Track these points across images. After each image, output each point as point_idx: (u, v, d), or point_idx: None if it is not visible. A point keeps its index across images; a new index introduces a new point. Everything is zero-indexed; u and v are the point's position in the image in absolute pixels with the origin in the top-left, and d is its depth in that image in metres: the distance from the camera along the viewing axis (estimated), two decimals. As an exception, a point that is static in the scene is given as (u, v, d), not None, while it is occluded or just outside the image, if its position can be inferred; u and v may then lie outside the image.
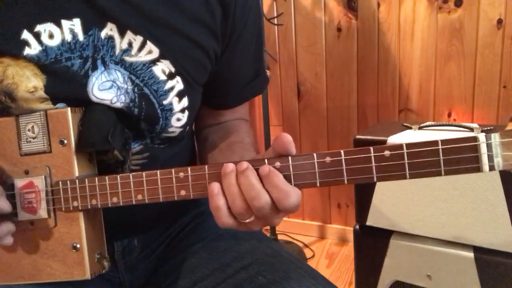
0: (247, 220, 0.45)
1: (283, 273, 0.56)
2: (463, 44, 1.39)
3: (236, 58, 0.64)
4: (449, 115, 1.47)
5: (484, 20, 1.35)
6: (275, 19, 1.65)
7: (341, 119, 1.66)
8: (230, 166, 0.45)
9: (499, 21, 1.33)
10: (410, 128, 1.17)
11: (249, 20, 0.63)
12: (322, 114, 1.70)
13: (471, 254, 1.03)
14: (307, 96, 1.71)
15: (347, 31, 1.57)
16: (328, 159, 0.43)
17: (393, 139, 1.09)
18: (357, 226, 1.20)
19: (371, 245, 1.18)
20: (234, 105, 0.73)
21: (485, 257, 1.01)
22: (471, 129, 1.09)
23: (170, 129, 0.59)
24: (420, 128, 1.16)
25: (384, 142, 1.10)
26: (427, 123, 1.19)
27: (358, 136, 1.15)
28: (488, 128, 1.10)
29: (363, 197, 1.16)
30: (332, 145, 1.71)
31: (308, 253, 1.71)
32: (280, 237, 1.82)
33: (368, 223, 1.16)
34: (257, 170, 0.44)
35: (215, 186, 0.45)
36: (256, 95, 0.74)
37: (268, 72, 1.46)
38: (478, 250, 1.03)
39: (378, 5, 1.49)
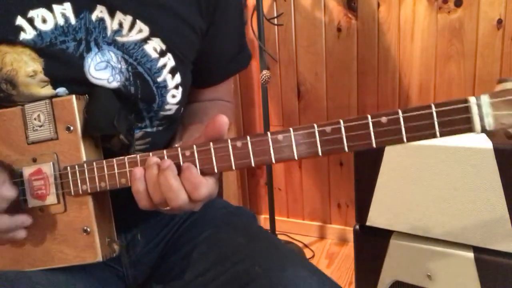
0: (165, 209, 0.49)
1: (279, 264, 0.57)
2: (463, 44, 1.40)
3: (220, 34, 0.67)
4: (449, 115, 1.47)
5: (484, 20, 1.35)
6: (275, 19, 1.65)
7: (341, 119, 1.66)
8: (153, 160, 0.48)
9: (499, 21, 1.33)
10: (410, 128, 1.17)
11: None
12: (322, 114, 1.70)
13: (471, 254, 1.03)
14: (307, 96, 1.71)
15: (347, 31, 1.57)
16: (328, 128, 0.45)
17: (393, 139, 1.09)
18: (357, 226, 1.20)
19: (371, 245, 1.18)
20: (219, 81, 0.74)
21: (485, 257, 1.01)
22: (471, 129, 1.09)
23: (167, 107, 0.61)
24: (420, 128, 1.16)
25: (384, 142, 1.09)
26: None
27: (358, 136, 1.15)
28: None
29: (363, 197, 1.16)
30: (332, 145, 1.71)
31: (308, 253, 1.72)
32: (280, 237, 1.82)
33: (368, 223, 1.16)
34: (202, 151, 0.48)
35: (138, 171, 0.48)
36: (240, 70, 0.76)
37: (268, 72, 1.46)
38: (478, 250, 1.03)
39: (378, 5, 1.49)
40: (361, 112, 1.62)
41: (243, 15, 0.73)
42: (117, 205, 0.57)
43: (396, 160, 1.09)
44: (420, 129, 0.42)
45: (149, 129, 0.61)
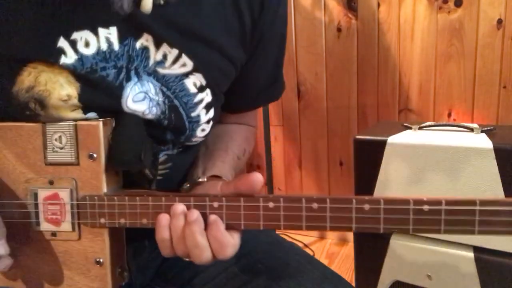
0: (187, 259, 0.48)
1: (281, 260, 0.57)
2: (463, 44, 1.40)
3: (258, 65, 0.64)
4: (449, 115, 1.47)
5: (484, 20, 1.35)
6: (275, 19, 1.65)
7: (341, 119, 1.66)
8: (180, 208, 0.46)
9: (499, 21, 1.33)
10: (410, 128, 1.17)
11: (276, 28, 0.63)
12: (322, 114, 1.70)
13: (471, 254, 1.03)
14: (307, 96, 1.71)
15: (347, 31, 1.57)
16: (366, 206, 0.43)
17: (393, 139, 1.09)
18: (357, 226, 1.20)
19: (371, 245, 1.18)
20: (247, 109, 0.72)
21: (485, 257, 1.01)
22: (471, 129, 1.09)
23: (194, 139, 0.59)
24: (420, 128, 1.16)
25: (384, 142, 1.10)
26: (427, 123, 1.19)
27: (358, 136, 1.15)
28: (488, 128, 1.10)
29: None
30: (332, 145, 1.71)
31: (308, 253, 1.72)
32: (280, 237, 1.82)
33: (368, 223, 1.16)
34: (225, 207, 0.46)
35: (163, 219, 0.47)
36: (271, 102, 0.74)
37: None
38: (478, 250, 1.03)
39: (378, 5, 1.49)
40: (361, 112, 1.62)
41: (284, 47, 0.69)
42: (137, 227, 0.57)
43: (396, 160, 1.09)
44: (460, 224, 0.41)
45: (170, 152, 0.60)
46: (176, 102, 0.54)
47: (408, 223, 0.42)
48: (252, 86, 0.68)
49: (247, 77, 0.65)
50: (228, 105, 0.68)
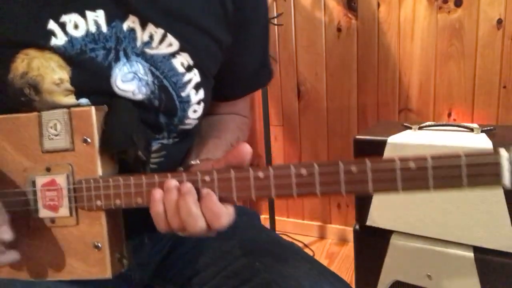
0: (182, 234, 0.48)
1: (280, 258, 0.57)
2: (463, 44, 1.40)
3: (243, 50, 0.66)
4: (449, 115, 1.47)
5: (484, 20, 1.35)
6: (275, 19, 1.65)
7: (341, 119, 1.66)
8: (173, 183, 0.47)
9: (499, 21, 1.33)
10: (410, 128, 1.17)
11: (258, 12, 0.64)
12: (322, 114, 1.70)
13: (471, 254, 1.03)
14: (307, 96, 1.71)
15: (347, 31, 1.57)
16: (354, 167, 0.43)
17: (393, 139, 1.09)
18: (357, 226, 1.20)
19: (371, 245, 1.18)
20: (238, 96, 0.73)
21: (485, 257, 1.01)
22: (471, 129, 1.09)
23: (187, 121, 0.60)
24: (420, 128, 1.16)
25: (384, 142, 1.10)
26: (427, 123, 1.19)
27: (358, 136, 1.15)
28: (488, 128, 1.10)
29: (363, 197, 1.16)
30: (332, 145, 1.71)
31: (308, 253, 1.72)
32: (280, 237, 1.82)
33: (368, 223, 1.16)
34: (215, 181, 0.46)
35: (157, 193, 0.47)
36: (261, 87, 0.76)
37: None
38: (478, 250, 1.03)
39: (378, 5, 1.49)
40: (361, 112, 1.62)
41: (268, 32, 0.71)
42: (126, 209, 0.57)
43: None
44: (447, 178, 0.41)
45: (165, 141, 0.61)
46: (165, 82, 0.56)
47: (396, 181, 0.42)
48: (240, 72, 0.70)
49: (235, 63, 0.66)
50: (219, 92, 0.69)
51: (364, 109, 1.61)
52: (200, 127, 0.69)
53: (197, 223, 0.46)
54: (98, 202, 0.50)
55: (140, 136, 0.53)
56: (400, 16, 1.47)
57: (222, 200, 0.47)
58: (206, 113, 0.72)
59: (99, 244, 0.52)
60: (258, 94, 1.82)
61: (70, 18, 0.51)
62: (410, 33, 1.47)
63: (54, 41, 0.50)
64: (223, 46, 0.61)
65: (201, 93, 0.60)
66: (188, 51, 0.56)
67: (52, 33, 0.50)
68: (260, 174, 0.46)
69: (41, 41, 0.50)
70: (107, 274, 0.52)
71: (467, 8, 1.36)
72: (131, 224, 0.59)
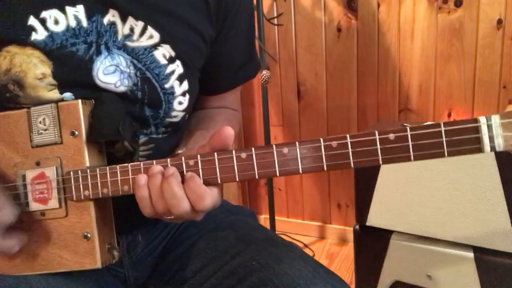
0: (168, 218, 0.49)
1: (275, 257, 0.57)
2: (463, 44, 1.40)
3: (229, 43, 0.66)
4: (449, 115, 1.47)
5: (484, 20, 1.35)
6: (275, 19, 1.65)
7: (341, 119, 1.67)
8: (157, 168, 0.48)
9: (499, 21, 1.33)
10: (410, 128, 1.17)
11: (242, 5, 0.65)
12: (322, 114, 1.70)
13: (471, 254, 1.03)
14: (307, 96, 1.71)
15: (347, 31, 1.57)
16: (334, 143, 0.44)
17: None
18: (357, 226, 1.20)
19: (371, 245, 1.18)
20: (226, 89, 0.74)
21: (485, 257, 1.01)
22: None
23: (173, 113, 0.61)
24: (420, 128, 1.16)
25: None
26: (427, 123, 1.19)
27: (358, 136, 1.15)
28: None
29: (363, 197, 1.16)
30: (332, 145, 1.71)
31: (308, 253, 1.71)
32: (280, 237, 1.82)
33: (368, 223, 1.17)
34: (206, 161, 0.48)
35: (142, 178, 0.48)
36: (248, 80, 0.76)
37: (268, 72, 1.46)
38: (478, 250, 1.03)
39: (378, 5, 1.49)
40: (361, 112, 1.62)
41: (253, 24, 0.72)
42: (118, 207, 0.57)
43: (396, 160, 1.09)
44: (428, 148, 0.42)
45: (154, 135, 0.61)
46: (148, 74, 0.56)
47: (377, 153, 0.43)
48: (227, 65, 0.70)
49: (221, 55, 0.67)
50: (207, 86, 0.70)
51: (364, 109, 1.61)
52: (188, 121, 0.69)
53: (181, 204, 0.47)
54: (86, 192, 0.52)
55: (127, 127, 0.54)
56: (400, 16, 1.47)
57: (207, 183, 0.48)
58: (195, 108, 0.72)
59: (88, 234, 0.52)
60: (258, 94, 1.82)
61: (50, 14, 0.51)
62: (410, 33, 1.47)
63: (34, 36, 0.51)
64: (206, 39, 0.62)
65: (185, 84, 0.60)
66: (169, 42, 0.57)
67: (32, 29, 0.51)
68: (243, 155, 0.47)
69: (22, 37, 0.51)
70: (97, 264, 0.52)
71: (467, 8, 1.36)
72: (124, 222, 0.59)
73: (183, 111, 0.62)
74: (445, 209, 1.05)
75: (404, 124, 1.21)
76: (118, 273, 0.66)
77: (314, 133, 1.73)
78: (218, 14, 0.62)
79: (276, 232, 1.74)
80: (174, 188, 0.47)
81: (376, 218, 1.15)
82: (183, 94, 0.60)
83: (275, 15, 1.67)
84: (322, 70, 1.65)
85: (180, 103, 0.61)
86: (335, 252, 1.72)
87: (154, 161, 0.49)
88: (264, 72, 1.45)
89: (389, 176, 1.11)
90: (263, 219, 1.97)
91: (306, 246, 1.78)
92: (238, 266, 0.58)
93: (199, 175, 0.48)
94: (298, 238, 1.83)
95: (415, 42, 1.46)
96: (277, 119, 1.80)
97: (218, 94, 0.74)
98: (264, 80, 1.45)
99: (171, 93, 0.59)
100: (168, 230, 0.71)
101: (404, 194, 1.10)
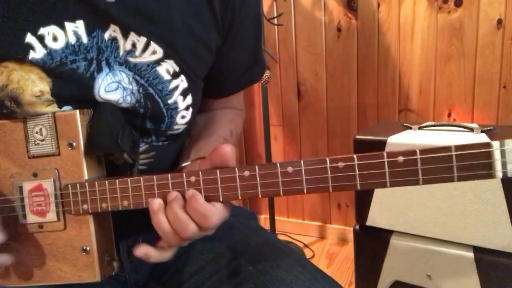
0: (184, 242, 0.49)
1: (273, 262, 0.57)
2: (463, 44, 1.40)
3: (235, 47, 0.64)
4: (449, 115, 1.47)
5: (484, 20, 1.35)
6: (275, 19, 1.65)
7: (341, 119, 1.66)
8: (157, 202, 0.47)
9: (499, 21, 1.33)
10: (410, 128, 1.17)
11: (249, 7, 0.63)
12: (322, 114, 1.70)
13: (471, 254, 1.03)
14: (307, 96, 1.71)
15: (347, 31, 1.57)
16: (341, 164, 0.43)
17: (393, 139, 1.09)
18: (357, 226, 1.20)
19: (371, 245, 1.18)
20: (231, 92, 0.73)
21: (485, 257, 1.01)
22: (471, 129, 1.09)
23: (175, 127, 0.59)
24: (420, 128, 1.16)
25: (384, 142, 1.10)
26: (427, 123, 1.19)
27: (358, 136, 1.15)
28: (488, 128, 1.10)
29: (363, 197, 1.16)
30: (332, 145, 1.71)
31: (308, 253, 1.72)
32: (280, 237, 1.82)
33: (368, 223, 1.16)
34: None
35: (156, 203, 0.47)
36: (254, 83, 0.74)
37: (268, 72, 1.46)
38: (478, 250, 1.03)
39: (378, 5, 1.49)
40: (361, 112, 1.62)
41: (261, 25, 0.69)
42: (119, 210, 0.57)
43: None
44: (437, 172, 0.40)
45: (154, 143, 0.60)
46: (150, 90, 0.55)
47: (384, 176, 0.41)
48: (233, 69, 0.68)
49: (227, 60, 0.65)
50: (212, 90, 0.68)
51: (364, 109, 1.61)
52: (191, 126, 0.68)
53: (187, 227, 0.46)
54: (85, 206, 0.50)
55: (126, 139, 0.53)
56: (400, 16, 1.47)
57: (207, 200, 0.47)
58: (200, 109, 0.71)
59: (87, 248, 0.52)
60: (258, 94, 1.82)
61: (48, 31, 0.49)
62: (410, 33, 1.47)
63: (32, 55, 0.49)
64: (212, 48, 0.60)
65: (189, 99, 0.59)
66: (173, 57, 0.55)
67: (30, 47, 0.49)
68: (246, 173, 0.46)
69: (19, 55, 0.49)
70: (96, 277, 0.52)
71: (467, 8, 1.36)
72: (125, 225, 0.59)
73: (185, 124, 0.60)
74: (445, 209, 1.05)
75: (404, 123, 1.21)
76: (119, 276, 0.66)
77: (314, 133, 1.73)
78: (224, 21, 0.60)
79: (276, 232, 1.74)
80: (177, 212, 0.46)
81: (376, 218, 1.15)
82: (187, 108, 0.59)
83: (275, 15, 1.67)
84: (322, 70, 1.65)
85: (183, 117, 0.59)
86: (335, 252, 1.72)
87: (155, 177, 0.48)
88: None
89: (389, 176, 1.10)
90: (263, 219, 1.97)
91: (306, 246, 1.78)
92: (234, 270, 0.57)
93: (200, 193, 0.47)
94: (298, 238, 1.83)
95: (415, 42, 1.46)
96: (277, 119, 1.80)
97: (223, 97, 0.73)
98: (264, 80, 1.45)
99: (174, 108, 0.57)
100: None
101: (404, 194, 1.10)
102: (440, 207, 1.05)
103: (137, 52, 0.53)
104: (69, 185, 0.51)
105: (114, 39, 0.52)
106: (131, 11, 0.52)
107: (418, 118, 1.52)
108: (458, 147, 0.39)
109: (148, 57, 0.54)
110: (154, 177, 0.48)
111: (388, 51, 1.52)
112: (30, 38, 0.49)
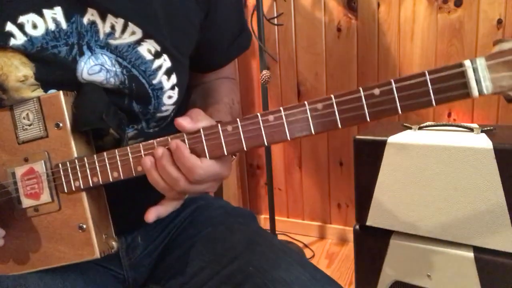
0: (186, 196, 0.52)
1: (273, 262, 0.57)
2: (463, 44, 1.40)
3: (219, 18, 0.65)
4: (449, 115, 1.47)
5: (484, 20, 1.35)
6: (275, 19, 1.65)
7: (341, 119, 1.66)
8: (148, 161, 0.49)
9: (499, 21, 1.33)
10: (410, 128, 1.17)
11: None
12: (322, 114, 1.70)
13: (471, 254, 1.03)
14: (307, 96, 1.71)
15: (347, 31, 1.57)
16: (319, 105, 0.44)
17: (393, 139, 1.09)
18: (357, 226, 1.20)
19: (371, 245, 1.18)
20: (222, 65, 0.74)
21: (485, 257, 1.01)
22: (471, 129, 1.09)
23: (163, 108, 0.60)
24: (420, 128, 1.16)
25: (384, 142, 1.10)
26: (427, 123, 1.19)
27: (358, 136, 1.15)
28: (488, 128, 1.10)
29: (363, 197, 1.16)
30: (332, 145, 1.71)
31: (308, 253, 1.72)
32: (280, 237, 1.82)
33: (368, 223, 1.17)
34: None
35: (147, 161, 0.49)
36: (242, 52, 0.75)
37: (268, 72, 1.46)
38: (478, 250, 1.03)
39: (378, 5, 1.49)
40: (361, 112, 1.62)
41: None
42: (117, 207, 0.56)
43: (396, 160, 1.09)
44: (415, 97, 0.41)
45: (145, 131, 0.61)
46: (134, 71, 0.55)
47: (363, 110, 0.42)
48: (220, 41, 0.69)
49: (213, 33, 0.66)
50: (203, 65, 0.69)
51: (364, 109, 1.61)
52: (194, 98, 0.69)
53: (178, 181, 0.48)
54: (77, 183, 0.52)
55: (112, 116, 0.53)
56: (400, 16, 1.47)
57: (196, 155, 0.48)
58: (193, 83, 0.71)
59: (83, 225, 0.52)
60: (258, 94, 1.82)
61: (27, 19, 0.50)
62: (410, 33, 1.47)
63: (13, 42, 0.50)
64: (194, 22, 0.61)
65: (174, 78, 0.59)
66: (153, 37, 0.56)
67: (11, 35, 0.50)
68: (229, 128, 0.47)
69: (1, 43, 0.50)
70: (95, 254, 0.52)
71: (467, 8, 1.36)
72: (124, 223, 0.59)
73: (173, 104, 0.61)
74: (445, 209, 1.05)
75: (404, 123, 1.21)
76: (118, 274, 0.66)
77: (314, 133, 1.73)
78: None
79: (276, 232, 1.74)
80: (166, 166, 0.48)
81: (376, 218, 1.15)
82: (172, 88, 0.60)
83: (275, 15, 1.67)
84: (322, 70, 1.65)
85: (170, 97, 0.60)
86: (335, 252, 1.72)
87: (141, 145, 0.50)
88: (264, 72, 1.45)
89: (389, 176, 1.11)
90: (263, 219, 1.97)
91: (306, 246, 1.78)
92: (235, 271, 0.57)
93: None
94: (298, 238, 1.83)
95: (415, 42, 1.46)
96: (277, 119, 1.80)
97: (215, 70, 0.74)
98: (264, 80, 1.45)
99: (159, 89, 0.58)
100: (168, 231, 0.71)
101: (404, 194, 1.10)
102: (440, 207, 1.05)
103: (117, 34, 0.54)
104: (60, 164, 0.52)
105: (93, 23, 0.53)
106: None
107: (418, 118, 1.52)
108: (432, 71, 0.40)
109: (128, 38, 0.54)
110: (141, 144, 0.50)
111: (388, 51, 1.52)
112: (10, 27, 0.50)
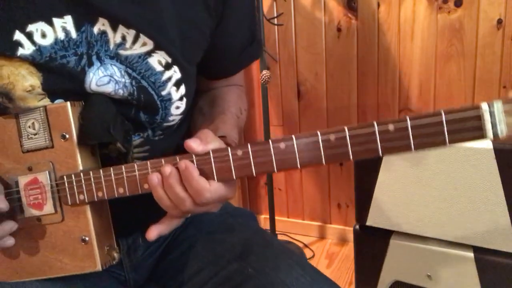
0: (188, 215, 0.52)
1: (272, 263, 0.56)
2: (463, 44, 1.40)
3: (230, 27, 0.64)
4: (449, 115, 1.47)
5: (484, 20, 1.35)
6: (275, 19, 1.65)
7: (341, 119, 1.66)
8: (155, 178, 0.48)
9: (499, 21, 1.33)
10: (410, 128, 1.17)
11: None
12: (322, 114, 1.70)
13: (471, 254, 1.03)
14: (307, 96, 1.71)
15: (347, 31, 1.57)
16: (332, 136, 0.43)
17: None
18: (357, 226, 1.20)
19: (371, 245, 1.18)
20: (231, 73, 0.73)
21: (485, 257, 1.01)
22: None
23: (170, 118, 0.59)
24: (420, 128, 1.16)
25: (384, 142, 1.09)
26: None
27: (358, 136, 1.15)
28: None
29: (363, 197, 1.16)
30: (332, 145, 1.71)
31: (308, 253, 1.72)
32: (280, 237, 1.82)
33: (368, 223, 1.16)
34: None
35: (154, 178, 0.49)
36: (253, 61, 0.74)
37: (268, 72, 1.46)
38: (478, 250, 1.03)
39: (378, 5, 1.49)
40: (361, 112, 1.62)
41: (254, 4, 0.69)
42: (119, 209, 0.56)
43: (396, 160, 1.09)
44: (429, 136, 0.41)
45: (150, 138, 0.60)
46: (143, 82, 0.54)
47: (376, 143, 0.42)
48: (232, 49, 0.68)
49: (224, 41, 0.65)
50: (212, 72, 0.68)
51: (364, 109, 1.61)
52: (200, 104, 0.68)
53: (185, 202, 0.48)
54: (81, 196, 0.51)
55: (118, 128, 0.53)
56: (400, 16, 1.47)
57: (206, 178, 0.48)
58: (202, 89, 0.70)
59: (86, 238, 0.52)
60: (258, 94, 1.82)
61: (36, 27, 0.49)
62: (410, 33, 1.47)
63: (21, 51, 0.49)
64: (206, 31, 0.60)
65: (183, 89, 0.58)
66: (164, 48, 0.55)
67: (19, 44, 0.49)
68: (239, 152, 0.46)
69: (8, 52, 0.48)
70: (97, 266, 0.52)
71: (467, 8, 1.36)
72: (125, 224, 0.59)
73: (180, 114, 0.60)
74: (445, 209, 1.05)
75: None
76: (119, 275, 0.66)
77: (314, 133, 1.73)
78: (216, 2, 0.59)
79: (276, 232, 1.74)
80: (173, 186, 0.47)
81: (376, 218, 1.15)
82: (180, 99, 0.59)
83: (275, 15, 1.67)
84: (322, 70, 1.65)
85: (178, 107, 0.59)
86: (335, 252, 1.72)
87: (149, 163, 0.49)
88: (264, 72, 1.45)
89: (389, 176, 1.11)
90: (263, 219, 1.97)
91: (306, 246, 1.78)
92: (234, 272, 0.57)
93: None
94: (298, 238, 1.83)
95: (415, 42, 1.46)
96: (277, 119, 1.80)
97: (224, 78, 0.73)
98: (264, 80, 1.45)
99: (168, 100, 0.57)
100: (170, 232, 0.71)
101: (404, 194, 1.10)
102: (440, 207, 1.05)
103: (128, 44, 0.53)
104: (64, 176, 0.51)
105: (103, 33, 0.52)
106: (120, 3, 0.51)
107: (418, 118, 1.52)
108: (448, 111, 0.40)
109: (139, 49, 0.53)
110: (148, 162, 0.49)
111: (388, 51, 1.52)
112: (18, 36, 0.49)
